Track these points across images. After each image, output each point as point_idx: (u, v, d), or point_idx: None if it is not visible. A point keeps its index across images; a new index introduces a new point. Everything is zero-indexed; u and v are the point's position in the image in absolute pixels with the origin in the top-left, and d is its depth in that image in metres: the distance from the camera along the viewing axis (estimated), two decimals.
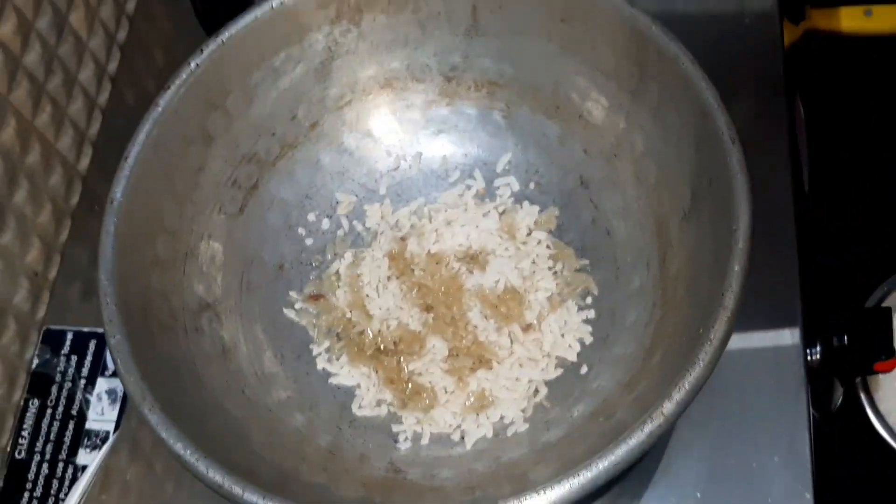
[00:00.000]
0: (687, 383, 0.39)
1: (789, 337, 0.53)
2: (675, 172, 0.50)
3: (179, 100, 0.50)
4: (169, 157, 0.50)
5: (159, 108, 0.49)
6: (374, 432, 0.50)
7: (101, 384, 0.55)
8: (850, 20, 0.67)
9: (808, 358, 0.54)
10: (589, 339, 0.51)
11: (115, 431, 0.53)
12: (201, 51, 0.50)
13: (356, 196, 0.58)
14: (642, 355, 0.48)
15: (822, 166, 0.64)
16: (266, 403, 0.50)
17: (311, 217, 0.57)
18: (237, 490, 0.39)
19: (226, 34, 0.51)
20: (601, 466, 0.37)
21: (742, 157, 0.44)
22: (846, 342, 0.57)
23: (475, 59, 0.56)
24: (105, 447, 0.52)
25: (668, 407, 0.38)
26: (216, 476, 0.39)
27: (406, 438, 0.49)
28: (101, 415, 0.53)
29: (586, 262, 0.54)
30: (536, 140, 0.57)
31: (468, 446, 0.49)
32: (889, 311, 0.57)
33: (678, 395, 0.39)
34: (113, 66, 0.68)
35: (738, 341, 0.52)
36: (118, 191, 0.47)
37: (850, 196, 0.64)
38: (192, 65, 0.50)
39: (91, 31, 0.64)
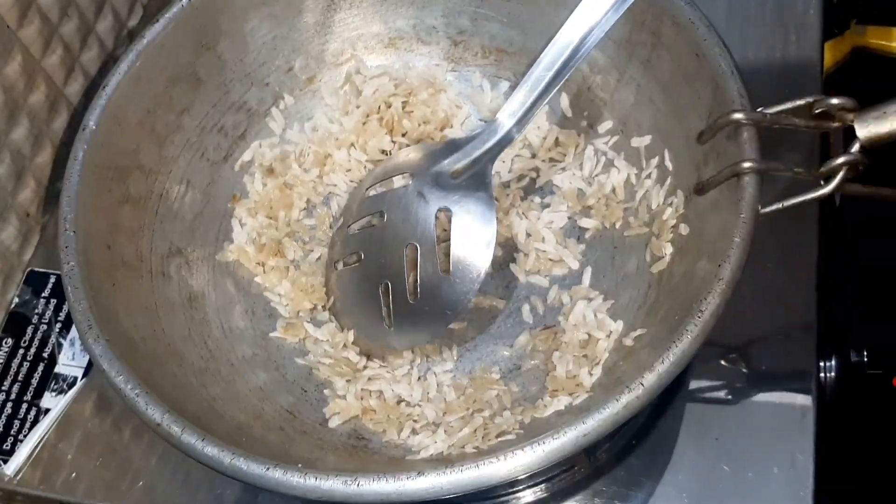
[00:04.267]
0: (672, 355, 0.36)
1: (803, 348, 0.48)
2: (682, 151, 0.47)
3: (167, 35, 0.48)
4: (151, 92, 0.48)
5: (144, 41, 0.48)
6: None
7: (76, 330, 0.52)
8: None
9: (822, 374, 0.50)
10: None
11: (83, 378, 0.51)
12: None
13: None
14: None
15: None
16: (228, 358, 0.47)
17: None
18: (175, 430, 0.36)
19: None
20: (568, 434, 0.34)
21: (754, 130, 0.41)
22: (865, 357, 0.53)
23: (484, 24, 0.54)
24: (71, 392, 0.51)
25: (651, 378, 0.35)
26: (155, 414, 0.37)
27: None
28: (72, 360, 0.52)
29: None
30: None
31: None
32: None
33: (661, 367, 0.35)
34: (133, 22, 0.65)
35: (748, 346, 0.48)
36: (92, 119, 0.45)
37: (883, 209, 0.59)
38: (184, 1, 0.48)
39: None
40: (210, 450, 0.35)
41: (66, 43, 0.56)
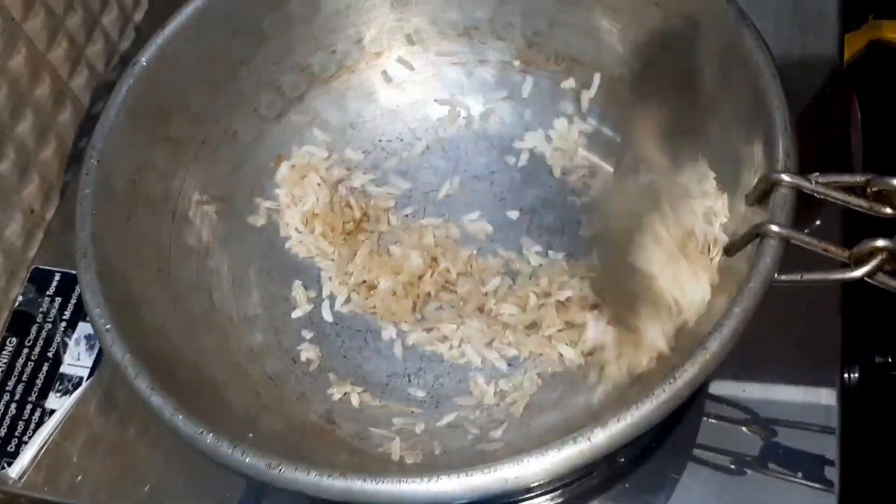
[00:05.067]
0: (629, 416, 0.33)
1: (828, 349, 0.46)
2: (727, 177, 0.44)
3: None
4: (212, 39, 0.49)
5: None
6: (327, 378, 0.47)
7: (82, 329, 0.51)
8: None
9: (846, 376, 0.47)
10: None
11: (88, 378, 0.50)
12: None
13: (401, 140, 0.54)
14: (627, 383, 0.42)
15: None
16: (230, 313, 0.47)
17: (350, 147, 0.54)
18: (130, 372, 0.37)
19: None
20: (499, 472, 0.33)
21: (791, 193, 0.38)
22: (889, 359, 0.52)
23: (561, 30, 0.52)
24: (76, 393, 0.50)
25: (600, 435, 0.33)
26: (117, 352, 0.37)
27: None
28: (77, 360, 0.51)
29: None
30: None
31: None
32: None
33: (615, 426, 0.33)
34: (139, 15, 0.64)
35: (771, 347, 0.46)
36: (144, 56, 0.46)
37: None
38: None
39: None
40: (155, 399, 0.36)
41: (71, 36, 0.55)
